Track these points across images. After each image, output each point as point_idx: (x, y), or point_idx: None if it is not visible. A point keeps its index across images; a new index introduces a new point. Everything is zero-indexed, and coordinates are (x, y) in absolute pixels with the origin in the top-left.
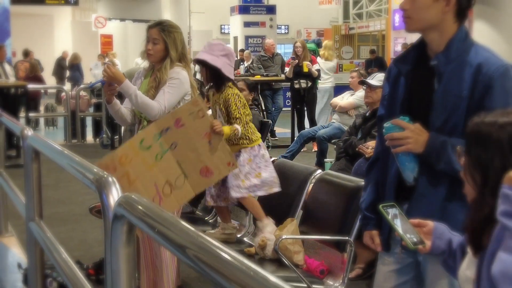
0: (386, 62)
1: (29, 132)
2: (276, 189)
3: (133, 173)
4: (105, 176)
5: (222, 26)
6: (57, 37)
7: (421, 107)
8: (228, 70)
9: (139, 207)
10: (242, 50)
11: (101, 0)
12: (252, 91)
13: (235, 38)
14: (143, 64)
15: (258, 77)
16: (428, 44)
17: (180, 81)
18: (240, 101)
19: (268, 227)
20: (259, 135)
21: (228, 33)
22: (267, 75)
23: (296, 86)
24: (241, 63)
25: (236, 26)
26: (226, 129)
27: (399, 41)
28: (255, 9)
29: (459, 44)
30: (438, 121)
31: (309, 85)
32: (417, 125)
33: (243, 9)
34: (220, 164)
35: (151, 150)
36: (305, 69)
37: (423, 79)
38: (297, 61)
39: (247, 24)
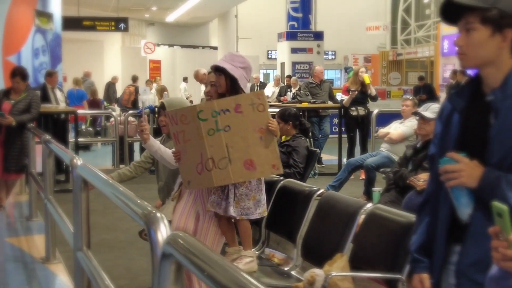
0: (435, 89)
1: (78, 161)
2: (265, 211)
3: (187, 134)
4: (153, 212)
5: (269, 52)
6: (107, 62)
7: (476, 144)
8: (243, 83)
9: (187, 246)
10: (289, 76)
11: (150, 26)
12: (288, 121)
13: (282, 64)
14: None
15: (305, 104)
16: (484, 79)
17: None
18: None
19: (248, 259)
20: None
21: (275, 59)
22: (314, 102)
23: (354, 113)
24: (288, 89)
25: (283, 52)
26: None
27: (448, 68)
28: (302, 35)
29: None
30: (495, 158)
31: (366, 112)
32: (474, 161)
33: (291, 35)
34: (266, 163)
35: (206, 123)
36: (367, 81)
37: (478, 115)
38: (356, 92)
39: (294, 50)
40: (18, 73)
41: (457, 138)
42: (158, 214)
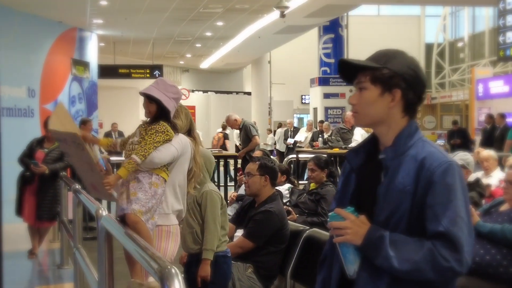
0: (469, 133)
1: (103, 212)
2: (141, 213)
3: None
4: (169, 267)
5: (303, 96)
6: (142, 108)
7: (368, 201)
8: (172, 114)
9: None
10: (321, 122)
11: (185, 73)
12: (324, 168)
13: (315, 109)
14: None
15: (336, 150)
16: (379, 137)
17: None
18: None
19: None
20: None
21: (309, 103)
22: (345, 148)
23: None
24: (320, 134)
25: (315, 97)
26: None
27: (483, 111)
28: (334, 80)
29: (406, 139)
30: (382, 215)
31: None
32: (361, 217)
33: (323, 81)
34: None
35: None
36: None
37: (372, 173)
38: None
39: (326, 96)
40: None
41: (353, 195)
42: (173, 270)
